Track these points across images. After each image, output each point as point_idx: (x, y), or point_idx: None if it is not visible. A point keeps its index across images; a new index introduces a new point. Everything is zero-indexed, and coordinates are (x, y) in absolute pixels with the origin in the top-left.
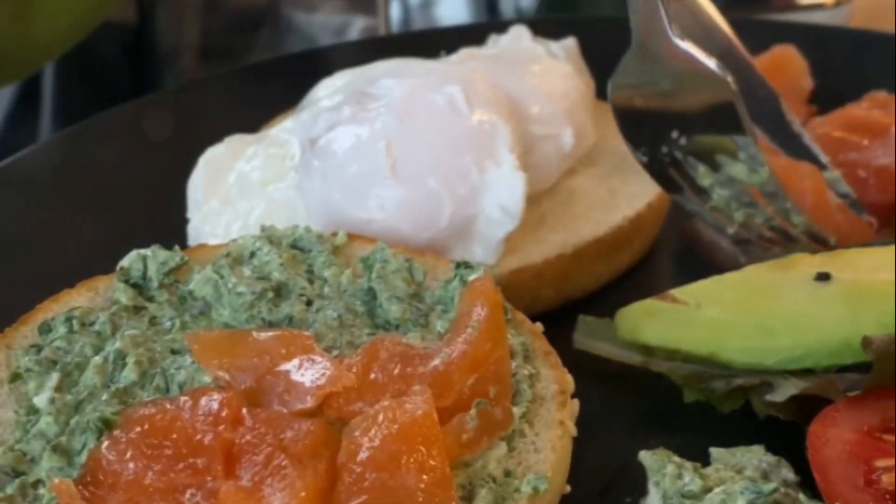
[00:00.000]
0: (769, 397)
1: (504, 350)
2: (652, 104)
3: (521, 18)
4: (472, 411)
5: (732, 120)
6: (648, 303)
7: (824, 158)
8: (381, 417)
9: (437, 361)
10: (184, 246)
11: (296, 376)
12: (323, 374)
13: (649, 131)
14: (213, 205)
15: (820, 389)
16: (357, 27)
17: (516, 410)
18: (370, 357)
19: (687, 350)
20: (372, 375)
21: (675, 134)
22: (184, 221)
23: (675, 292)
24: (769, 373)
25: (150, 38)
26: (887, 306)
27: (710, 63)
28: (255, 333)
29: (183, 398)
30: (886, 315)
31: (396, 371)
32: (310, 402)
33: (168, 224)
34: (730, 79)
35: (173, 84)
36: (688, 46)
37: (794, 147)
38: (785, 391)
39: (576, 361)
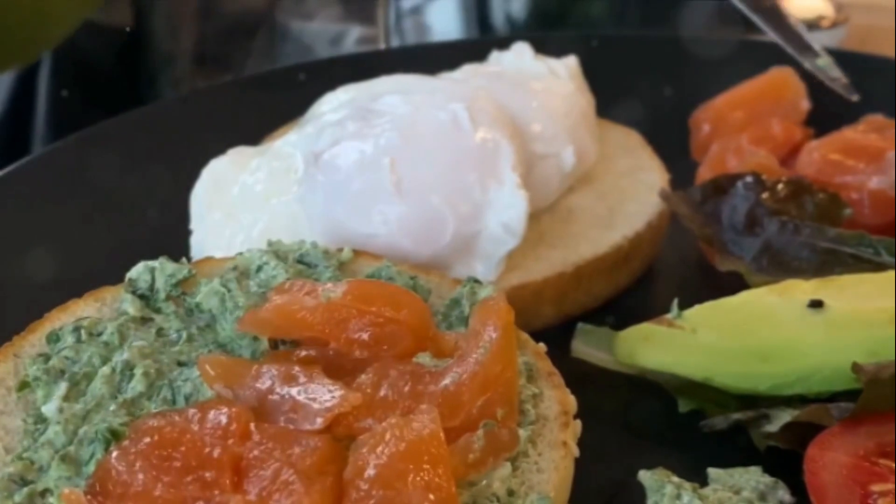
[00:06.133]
0: (766, 428)
1: (514, 372)
2: None
3: (520, 34)
4: (480, 432)
5: None
6: (645, 327)
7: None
8: (388, 435)
9: (447, 381)
10: (187, 257)
11: (302, 398)
12: (331, 397)
13: None
14: (216, 217)
15: (813, 417)
16: (353, 36)
17: (522, 433)
18: (380, 374)
19: (683, 374)
20: (381, 392)
21: None
22: (187, 233)
23: (672, 317)
24: (764, 403)
25: (145, 44)
26: (879, 334)
27: None
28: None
29: (192, 410)
30: (878, 342)
31: (406, 389)
32: (318, 424)
33: (171, 235)
34: None
35: (168, 90)
36: None
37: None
38: (780, 420)
39: (573, 379)
